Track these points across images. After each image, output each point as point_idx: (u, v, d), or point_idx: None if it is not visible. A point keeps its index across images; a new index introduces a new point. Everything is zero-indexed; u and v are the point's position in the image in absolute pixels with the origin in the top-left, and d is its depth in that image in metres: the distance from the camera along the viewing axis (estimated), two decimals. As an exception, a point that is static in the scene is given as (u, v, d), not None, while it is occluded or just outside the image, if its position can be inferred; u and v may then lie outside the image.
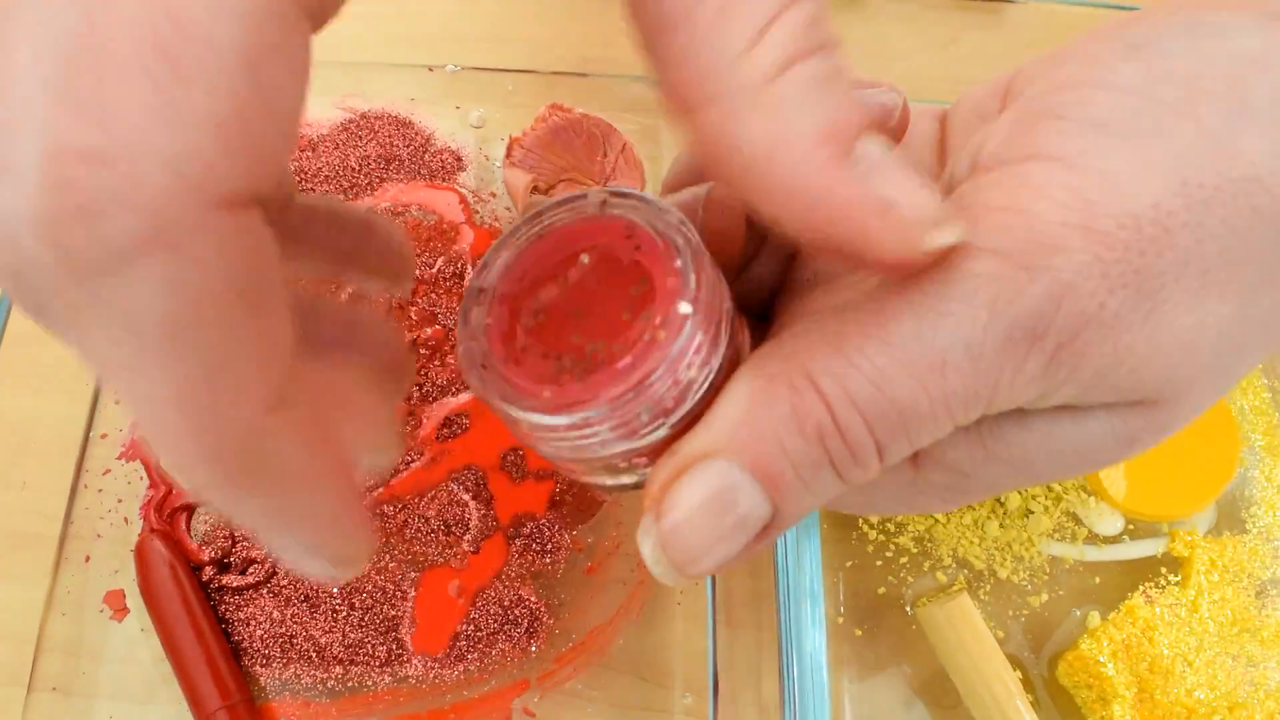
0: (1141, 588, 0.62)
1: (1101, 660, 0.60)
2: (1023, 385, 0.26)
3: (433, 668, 0.57)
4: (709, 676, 0.58)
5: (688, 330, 0.26)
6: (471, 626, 0.58)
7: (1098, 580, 0.63)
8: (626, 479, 0.30)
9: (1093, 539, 0.63)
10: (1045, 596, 0.62)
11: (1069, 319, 0.25)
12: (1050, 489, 0.63)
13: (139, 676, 0.58)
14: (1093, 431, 0.28)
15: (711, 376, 0.27)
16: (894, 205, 0.24)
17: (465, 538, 0.60)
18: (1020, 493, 0.63)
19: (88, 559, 0.60)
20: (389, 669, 0.57)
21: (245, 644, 0.58)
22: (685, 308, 0.26)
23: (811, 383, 0.25)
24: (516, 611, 0.58)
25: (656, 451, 0.28)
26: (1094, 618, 0.61)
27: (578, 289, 0.28)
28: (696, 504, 0.26)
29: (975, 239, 0.25)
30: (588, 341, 0.27)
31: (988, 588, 0.62)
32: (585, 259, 0.28)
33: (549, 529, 0.60)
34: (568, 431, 0.26)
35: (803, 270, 0.35)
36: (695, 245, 0.27)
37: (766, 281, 0.35)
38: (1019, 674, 0.60)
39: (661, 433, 0.27)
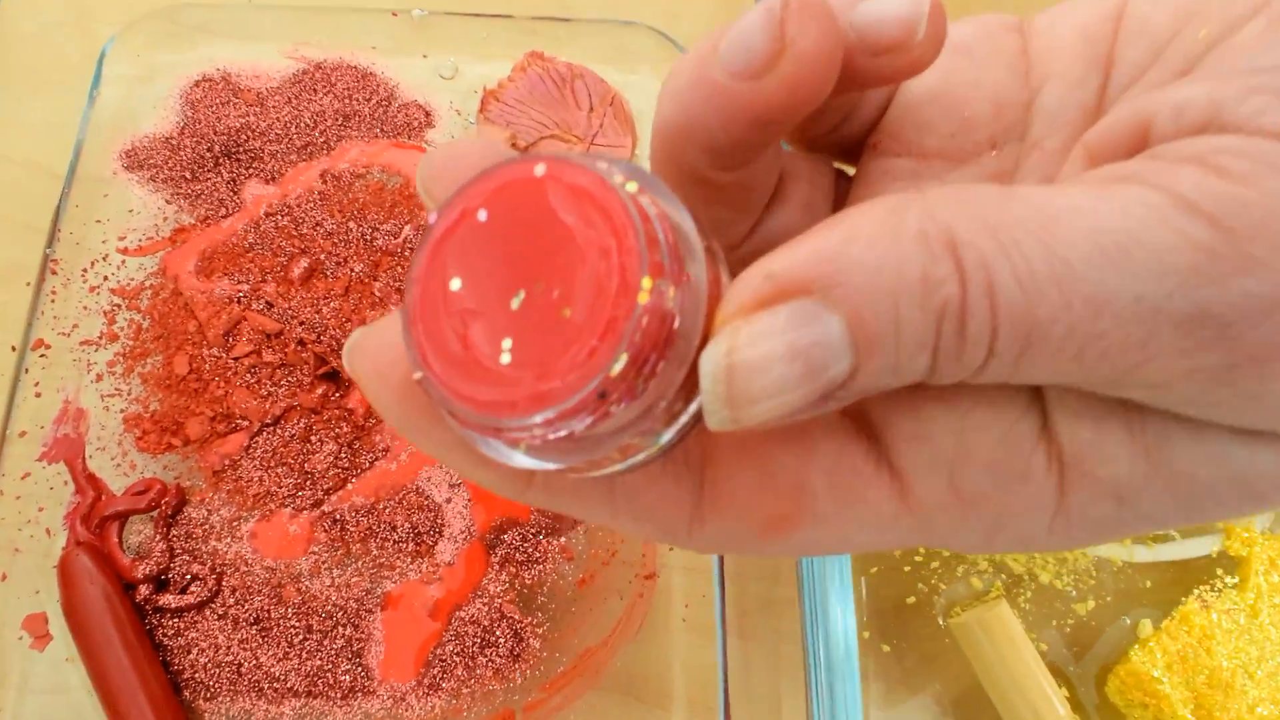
0: (1196, 591, 0.56)
1: (1156, 675, 0.53)
2: (1183, 375, 0.22)
3: (404, 698, 0.50)
4: (719, 698, 0.51)
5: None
6: (447, 649, 0.51)
7: (1148, 584, 0.56)
8: (638, 457, 0.24)
9: (1141, 538, 0.57)
10: (1091, 603, 0.55)
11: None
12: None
13: (67, 707, 0.51)
14: (1268, 467, 0.23)
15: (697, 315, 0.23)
16: None
17: (438, 547, 0.52)
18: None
19: (4, 576, 0.52)
20: (353, 700, 0.50)
21: (186, 674, 0.50)
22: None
23: (952, 251, 0.21)
24: (498, 631, 0.51)
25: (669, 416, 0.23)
26: (1145, 626, 0.55)
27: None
28: (777, 339, 0.22)
29: (1197, 195, 0.21)
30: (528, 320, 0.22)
31: (1028, 594, 0.55)
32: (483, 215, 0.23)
33: (534, 536, 0.53)
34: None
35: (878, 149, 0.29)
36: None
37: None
38: (1064, 691, 0.53)
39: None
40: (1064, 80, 0.27)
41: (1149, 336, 0.21)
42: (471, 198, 0.23)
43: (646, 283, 0.21)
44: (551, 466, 0.23)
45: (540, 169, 0.22)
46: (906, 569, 0.55)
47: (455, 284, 0.22)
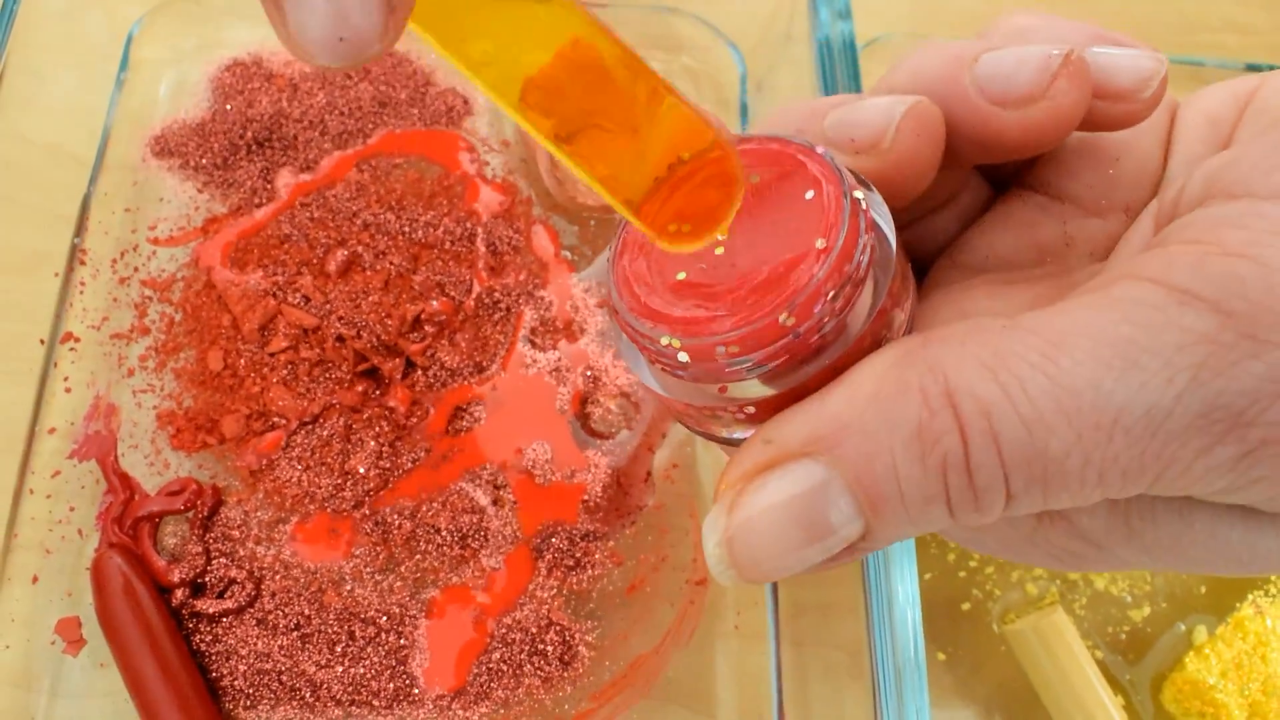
0: (1251, 596, 0.55)
1: (1213, 682, 0.52)
2: (1202, 473, 0.22)
3: (449, 707, 0.49)
4: (773, 706, 0.50)
5: (823, 268, 0.23)
6: (494, 657, 0.49)
7: (1203, 589, 0.55)
8: (738, 432, 0.26)
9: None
10: (1147, 609, 0.54)
11: None
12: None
13: (101, 713, 0.49)
14: (1271, 545, 0.24)
15: (849, 338, 0.24)
16: None
17: (483, 551, 0.51)
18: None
19: (35, 579, 0.51)
20: (397, 709, 0.48)
21: (225, 681, 0.49)
22: (822, 243, 0.24)
23: (951, 402, 0.22)
24: (547, 639, 0.50)
25: (767, 409, 0.25)
26: (1200, 632, 0.54)
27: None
28: (777, 503, 0.23)
29: (1194, 282, 0.21)
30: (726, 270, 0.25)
31: (1084, 600, 0.54)
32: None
33: (581, 540, 0.51)
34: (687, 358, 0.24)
35: (974, 250, 0.30)
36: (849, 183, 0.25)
37: (939, 238, 0.31)
38: (1120, 699, 0.52)
39: (770, 390, 0.24)
40: (1184, 158, 0.28)
41: (1164, 446, 0.21)
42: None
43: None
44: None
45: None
46: (961, 574, 0.54)
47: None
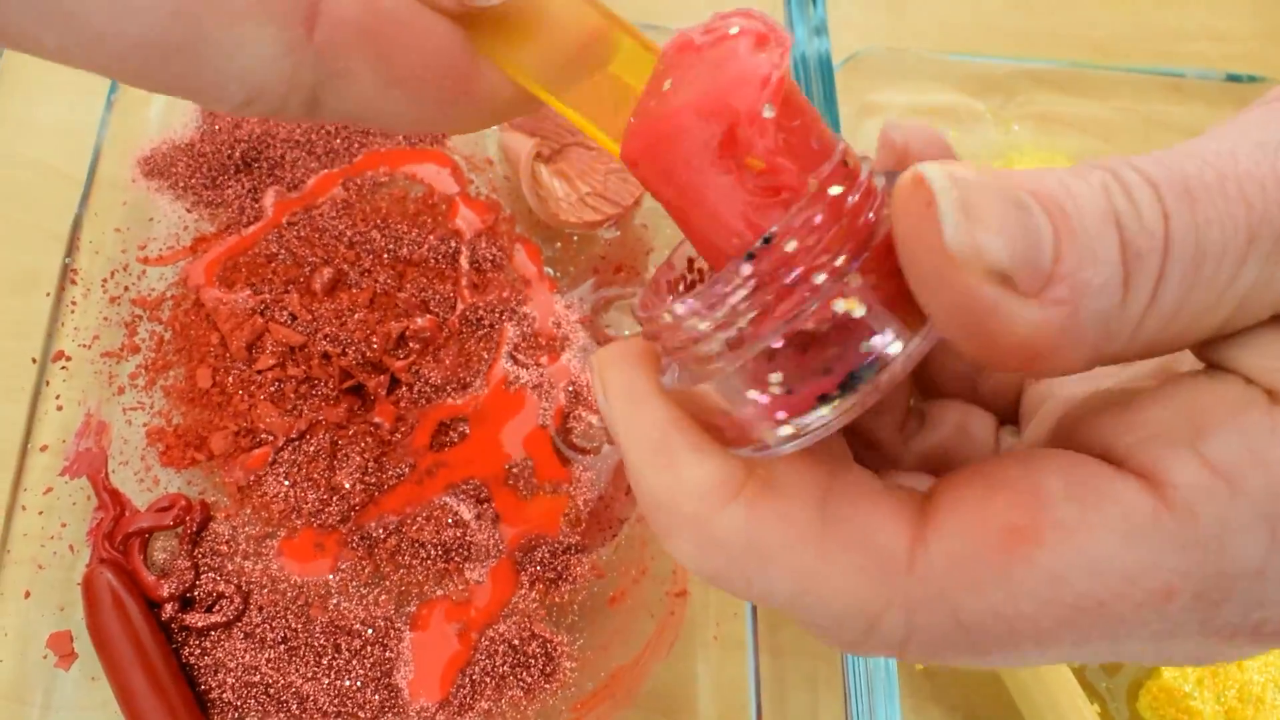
0: (1226, 604, 0.55)
1: (1188, 690, 0.53)
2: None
3: (434, 718, 0.49)
4: (752, 716, 0.50)
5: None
6: (477, 669, 0.50)
7: (1179, 597, 0.56)
8: (782, 431, 0.22)
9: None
10: (1123, 617, 0.55)
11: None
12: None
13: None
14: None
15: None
16: None
17: (467, 565, 0.52)
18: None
19: (28, 594, 0.52)
20: (383, 722, 0.49)
21: (213, 694, 0.50)
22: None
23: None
24: (529, 650, 0.50)
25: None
26: (1176, 640, 0.54)
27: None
28: (1002, 200, 0.20)
29: (1204, 446, 0.21)
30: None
31: (1059, 609, 0.55)
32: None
33: (563, 553, 0.52)
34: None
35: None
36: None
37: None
38: (1096, 707, 0.53)
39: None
40: None
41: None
42: None
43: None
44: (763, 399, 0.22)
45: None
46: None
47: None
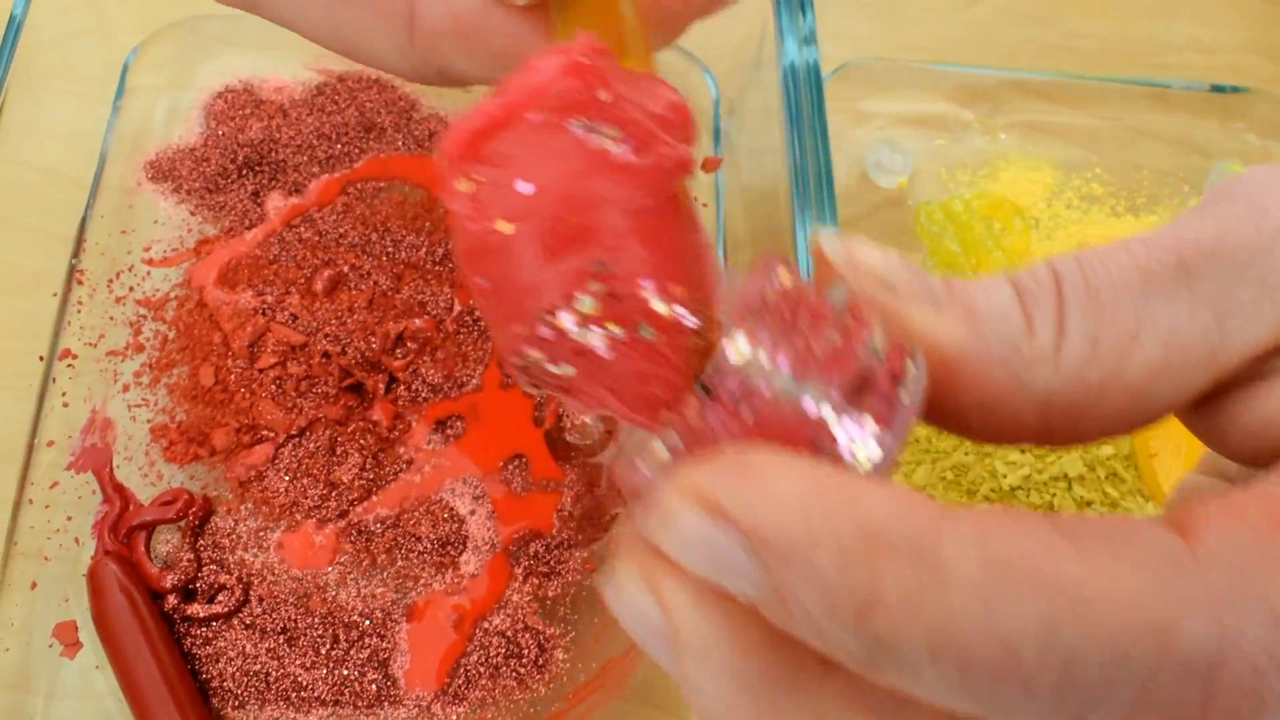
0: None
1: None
2: None
3: (429, 708, 0.51)
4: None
5: None
6: (472, 660, 0.52)
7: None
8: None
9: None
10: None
11: None
12: (1106, 494, 0.57)
13: (95, 715, 0.52)
14: None
15: None
16: None
17: (463, 558, 0.53)
18: (1074, 499, 0.57)
19: (34, 585, 0.53)
20: (379, 710, 0.51)
21: (215, 683, 0.51)
22: None
23: None
24: (522, 642, 0.52)
25: None
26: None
27: None
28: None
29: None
30: None
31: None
32: None
33: (557, 548, 0.54)
34: None
35: None
36: None
37: None
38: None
39: None
40: None
41: None
42: None
43: None
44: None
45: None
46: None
47: None
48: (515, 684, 0.51)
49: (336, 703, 0.51)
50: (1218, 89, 0.71)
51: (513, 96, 0.25)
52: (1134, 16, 0.77)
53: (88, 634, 0.52)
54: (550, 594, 0.53)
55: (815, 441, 0.21)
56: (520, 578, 0.53)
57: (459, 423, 0.56)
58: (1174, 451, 0.58)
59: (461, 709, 0.51)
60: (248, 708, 0.51)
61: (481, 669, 0.51)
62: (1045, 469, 0.57)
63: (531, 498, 0.55)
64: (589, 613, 0.54)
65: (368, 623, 0.52)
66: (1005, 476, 0.56)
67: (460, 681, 0.51)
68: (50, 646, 0.52)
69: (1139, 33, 0.77)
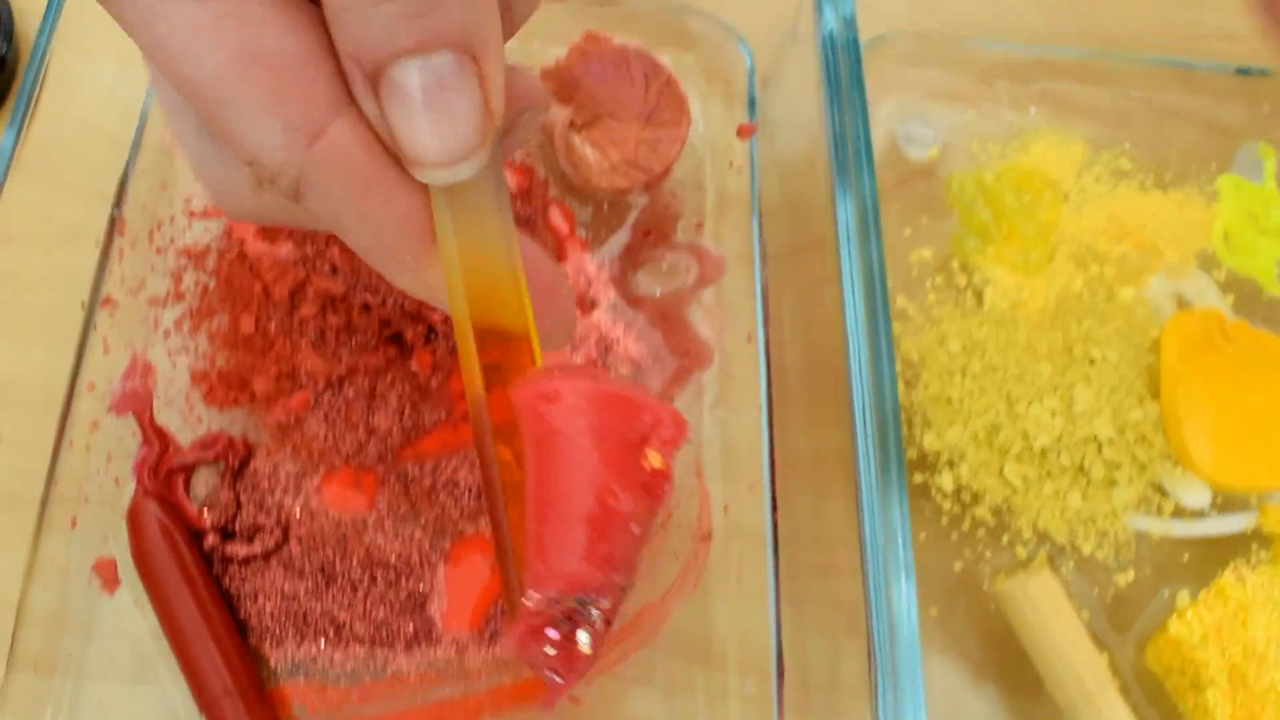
0: (1232, 564, 0.57)
1: (1194, 645, 0.54)
2: None
3: (466, 648, 0.51)
4: (772, 659, 0.52)
5: None
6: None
7: (1186, 557, 0.58)
8: None
9: (1180, 513, 0.58)
10: (1131, 574, 0.57)
11: None
12: (1135, 458, 0.57)
13: (132, 654, 0.52)
14: None
15: None
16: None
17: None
18: (1104, 461, 0.57)
19: (74, 524, 0.54)
20: (416, 650, 0.51)
21: (252, 621, 0.51)
22: None
23: None
24: (558, 586, 0.52)
25: None
26: (1183, 597, 0.56)
27: None
28: None
29: None
30: None
31: (1070, 564, 0.57)
32: None
33: (593, 495, 0.54)
34: None
35: None
36: None
37: None
38: (1105, 657, 0.54)
39: None
40: None
41: None
42: None
43: None
44: None
45: None
46: (954, 537, 0.57)
47: None
48: (551, 627, 0.52)
49: (374, 641, 0.51)
50: (1243, 71, 0.72)
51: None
52: (1162, 3, 0.78)
53: (126, 573, 0.53)
54: (586, 540, 0.54)
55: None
56: (556, 524, 0.54)
57: (497, 374, 0.56)
58: (1201, 417, 0.58)
59: (496, 650, 0.51)
60: (285, 645, 0.51)
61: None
62: (1075, 430, 0.57)
63: (568, 447, 0.55)
64: (624, 559, 0.54)
65: (405, 565, 0.52)
66: (1036, 438, 0.57)
67: (496, 624, 0.51)
68: (90, 584, 0.53)
69: (1168, 19, 0.78)
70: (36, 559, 0.52)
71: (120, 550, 0.53)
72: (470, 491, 0.54)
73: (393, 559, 0.52)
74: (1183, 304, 0.63)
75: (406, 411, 0.55)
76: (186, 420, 0.56)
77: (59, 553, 0.53)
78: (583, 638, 0.30)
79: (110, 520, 0.54)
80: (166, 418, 0.56)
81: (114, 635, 0.52)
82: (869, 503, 0.47)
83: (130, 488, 0.54)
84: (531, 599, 0.30)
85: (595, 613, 0.30)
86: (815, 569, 0.55)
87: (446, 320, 0.57)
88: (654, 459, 0.32)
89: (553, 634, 0.30)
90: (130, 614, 0.52)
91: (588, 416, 0.31)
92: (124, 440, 0.55)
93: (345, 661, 0.51)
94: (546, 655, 0.30)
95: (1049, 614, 0.55)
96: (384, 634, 0.51)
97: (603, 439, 0.31)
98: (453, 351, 0.57)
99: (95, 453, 0.55)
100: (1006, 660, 0.55)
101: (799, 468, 0.56)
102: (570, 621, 0.30)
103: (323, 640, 0.51)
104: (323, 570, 0.52)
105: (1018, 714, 0.55)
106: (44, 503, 0.53)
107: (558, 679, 0.30)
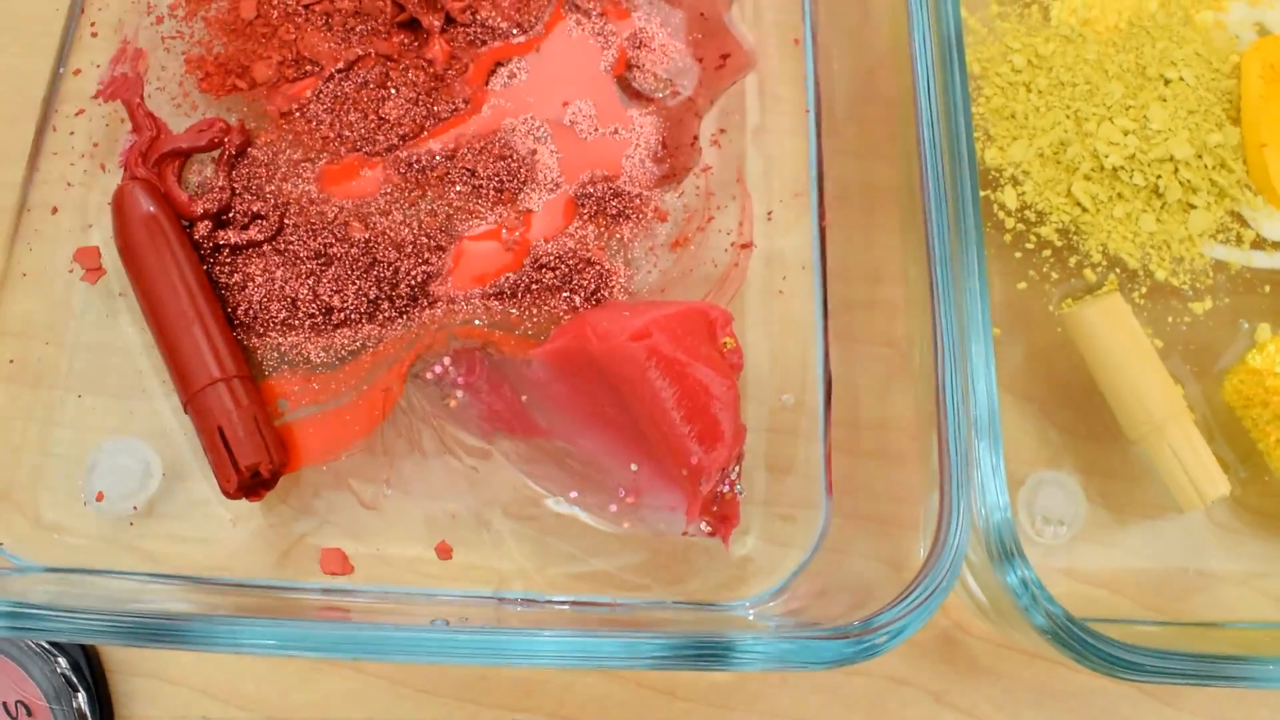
0: (1314, 297, 0.52)
1: (1277, 376, 0.50)
2: None
3: (464, 300, 0.47)
4: (819, 388, 0.48)
5: None
6: (523, 278, 0.47)
7: (1267, 289, 0.53)
8: None
9: (1260, 244, 0.53)
10: (1209, 304, 0.52)
11: None
12: (1214, 183, 0.53)
13: (116, 344, 0.47)
14: None
15: None
16: None
17: (521, 194, 0.49)
18: (1180, 183, 0.52)
19: (55, 210, 0.49)
20: (411, 313, 0.47)
21: (241, 310, 0.47)
22: None
23: None
24: (583, 275, 0.47)
25: None
26: (1264, 330, 0.51)
27: None
28: None
29: None
30: None
31: (1143, 290, 0.52)
32: None
33: (626, 191, 0.49)
34: None
35: None
36: None
37: None
38: (1180, 389, 0.50)
39: None
40: None
41: None
42: None
43: None
44: None
45: None
46: (1018, 255, 0.52)
47: None
48: (568, 310, 0.47)
49: (367, 320, 0.46)
50: None
51: None
52: None
53: (111, 261, 0.48)
54: (617, 235, 0.49)
55: None
56: (586, 217, 0.49)
57: (520, 66, 0.52)
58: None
59: (499, 305, 0.47)
60: (270, 334, 0.46)
61: (533, 287, 0.47)
62: (1150, 150, 0.52)
63: (599, 142, 0.50)
64: (658, 261, 0.49)
65: (411, 245, 0.47)
66: (1107, 156, 0.52)
67: (505, 288, 0.47)
68: (71, 271, 0.48)
69: None
70: (15, 248, 0.48)
71: (104, 238, 0.48)
72: (492, 181, 0.49)
73: (398, 240, 0.47)
74: (1264, 33, 0.58)
75: (420, 99, 0.50)
76: (180, 107, 0.51)
77: (38, 241, 0.49)
78: (737, 493, 0.44)
79: (95, 207, 0.49)
80: (158, 103, 0.51)
81: (98, 323, 0.48)
82: (937, 222, 0.43)
83: (117, 175, 0.49)
84: (704, 486, 0.41)
85: (734, 474, 0.43)
86: (864, 303, 0.50)
87: (465, 9, 0.52)
88: (728, 342, 0.43)
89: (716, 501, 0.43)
90: (115, 301, 0.48)
91: (675, 337, 0.40)
92: (112, 127, 0.51)
93: (331, 345, 0.46)
94: (714, 514, 0.43)
95: (1121, 337, 0.50)
96: (378, 314, 0.46)
97: (694, 347, 0.41)
98: (472, 42, 0.52)
99: (80, 138, 0.50)
100: (1073, 389, 0.51)
101: (848, 199, 0.52)
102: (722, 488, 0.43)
103: (310, 328, 0.46)
104: (319, 255, 0.47)
105: (1084, 448, 0.51)
106: (24, 188, 0.49)
107: (730, 525, 0.44)
